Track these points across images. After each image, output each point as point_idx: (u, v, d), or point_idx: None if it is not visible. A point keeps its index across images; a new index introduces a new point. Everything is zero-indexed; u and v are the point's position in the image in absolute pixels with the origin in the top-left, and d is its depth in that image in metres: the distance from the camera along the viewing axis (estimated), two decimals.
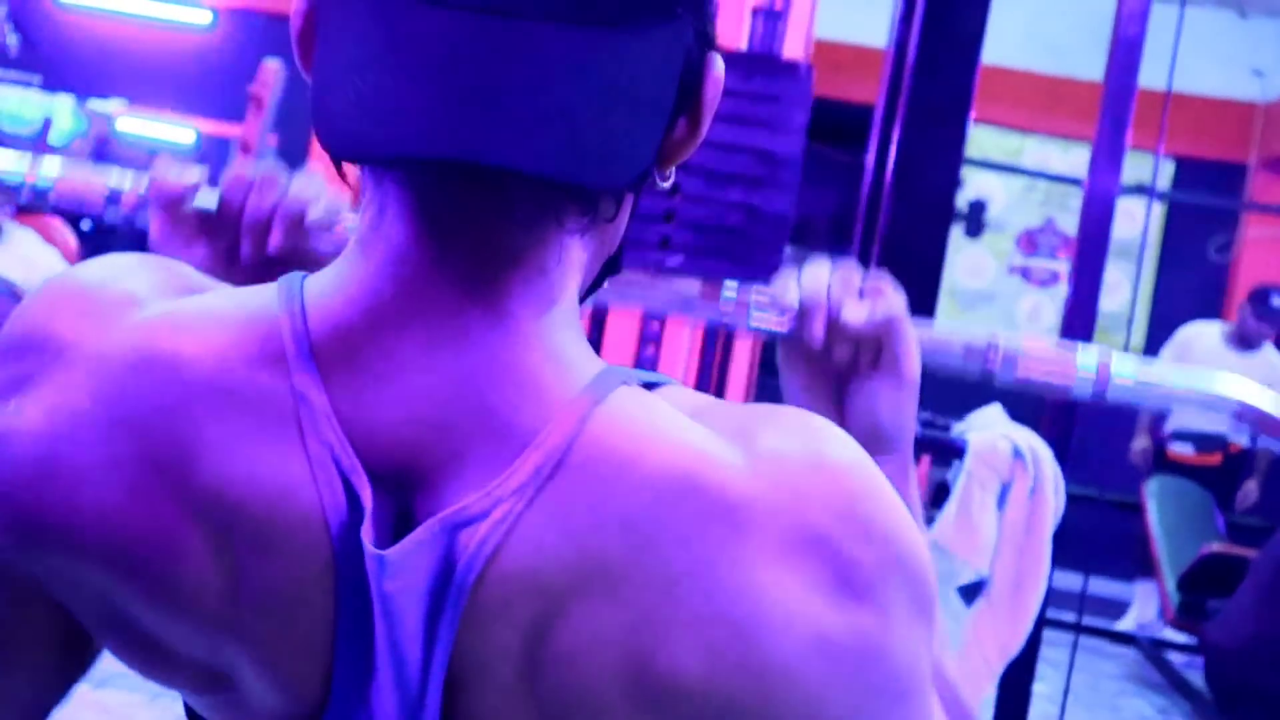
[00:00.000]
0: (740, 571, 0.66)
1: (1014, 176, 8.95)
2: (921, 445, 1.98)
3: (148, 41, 9.90)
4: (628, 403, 0.70)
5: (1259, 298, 6.46)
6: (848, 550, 0.67)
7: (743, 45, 2.99)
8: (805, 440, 0.70)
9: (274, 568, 0.70)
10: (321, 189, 1.11)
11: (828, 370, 1.09)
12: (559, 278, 0.73)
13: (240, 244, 1.10)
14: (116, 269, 0.77)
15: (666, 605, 0.66)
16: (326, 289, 0.73)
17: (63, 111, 10.02)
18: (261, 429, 0.69)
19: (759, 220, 1.94)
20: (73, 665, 0.80)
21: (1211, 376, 1.22)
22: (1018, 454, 1.89)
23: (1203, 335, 6.54)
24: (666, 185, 0.79)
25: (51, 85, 9.20)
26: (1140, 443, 6.42)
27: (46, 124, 9.36)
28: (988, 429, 1.93)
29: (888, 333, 1.05)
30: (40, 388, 0.73)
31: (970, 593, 1.94)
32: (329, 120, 0.69)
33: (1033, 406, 3.23)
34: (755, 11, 3.11)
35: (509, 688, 0.69)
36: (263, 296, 0.73)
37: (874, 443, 1.01)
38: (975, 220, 9.18)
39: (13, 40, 5.76)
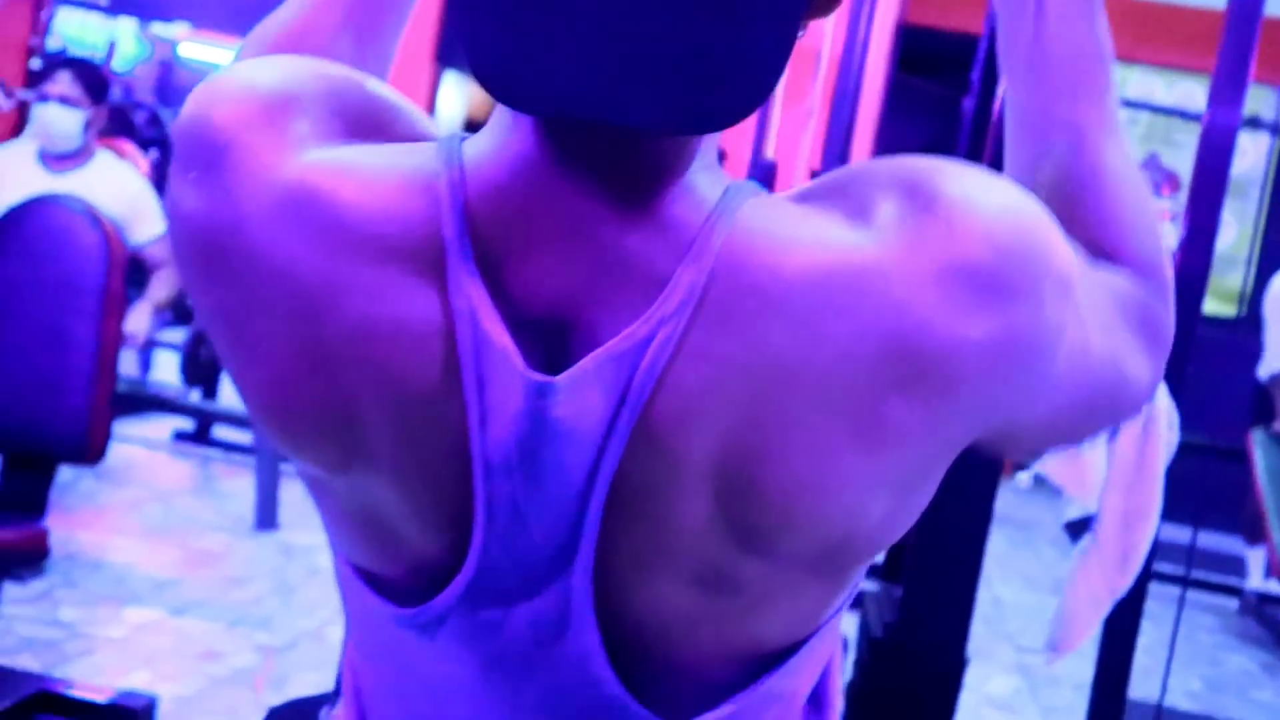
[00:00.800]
0: (896, 327, 0.72)
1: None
2: None
3: None
4: (758, 213, 0.75)
5: None
6: (976, 270, 0.72)
7: None
8: (911, 192, 0.74)
9: (415, 403, 0.76)
10: None
11: None
12: (701, 145, 0.78)
13: None
14: (294, 87, 0.80)
15: (838, 392, 0.72)
16: (483, 152, 0.78)
17: (126, 36, 10.13)
18: (412, 274, 0.75)
19: None
20: None
21: None
22: None
23: None
24: None
25: (115, 8, 9.28)
26: None
27: (111, 48, 9.47)
28: None
29: None
30: (210, 186, 0.78)
31: (1078, 530, 1.95)
32: (488, 66, 0.74)
33: None
34: None
35: (677, 498, 0.75)
36: (423, 154, 0.78)
37: None
38: None
39: None
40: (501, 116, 0.79)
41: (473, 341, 0.74)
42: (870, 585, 2.61)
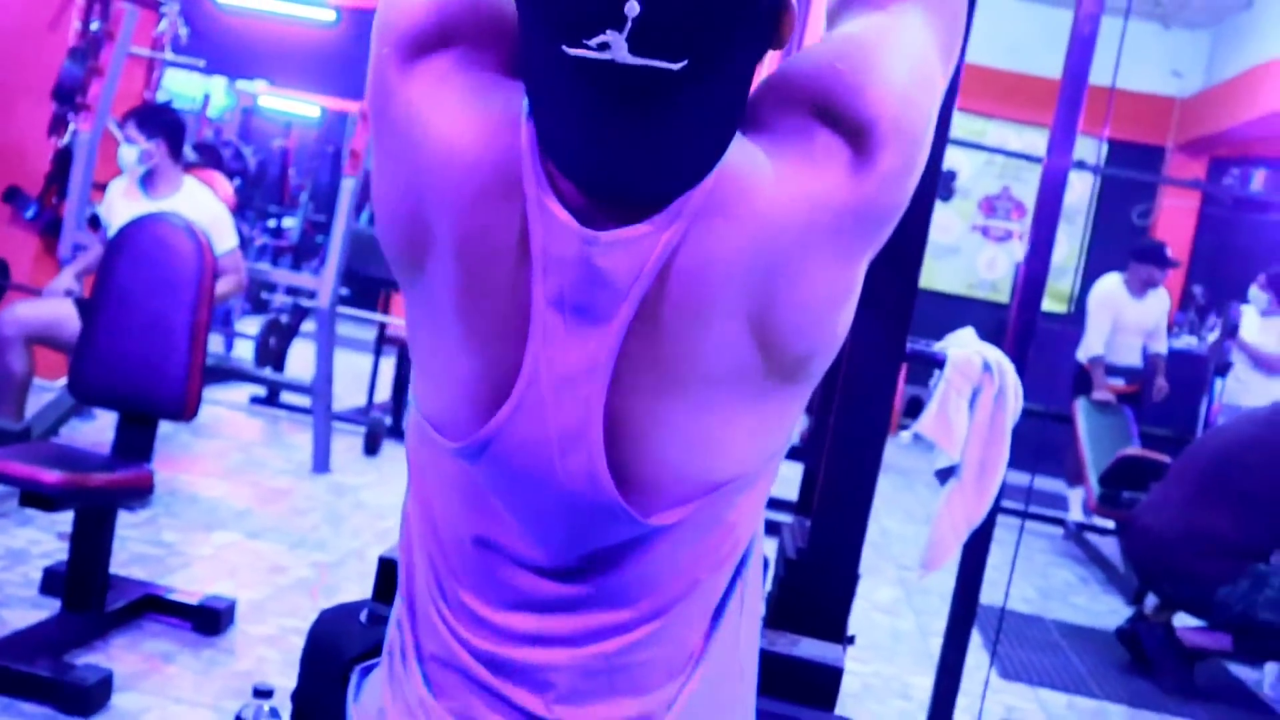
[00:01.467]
0: (840, 201, 0.82)
1: (977, 153, 8.83)
2: (910, 358, 2.00)
3: (285, 34, 9.84)
4: (738, 152, 0.81)
5: (1139, 250, 6.33)
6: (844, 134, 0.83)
7: None
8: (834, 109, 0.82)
9: (494, 256, 0.82)
10: None
11: None
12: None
13: None
14: (453, 20, 0.85)
15: (814, 247, 0.82)
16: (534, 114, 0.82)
17: (218, 90, 10.01)
18: (501, 181, 0.81)
19: None
20: None
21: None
22: (986, 366, 1.88)
23: (1111, 284, 6.31)
24: None
25: (210, 69, 9.17)
26: (1100, 395, 6.14)
27: (206, 99, 9.36)
28: (963, 346, 1.93)
29: None
30: (389, 77, 0.86)
31: (945, 475, 1.95)
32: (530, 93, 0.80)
33: (996, 331, 3.23)
34: None
35: (681, 329, 0.81)
36: (516, 102, 0.83)
37: None
38: (946, 188, 9.09)
39: (183, 32, 5.74)
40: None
41: (539, 213, 0.80)
42: (786, 518, 2.61)
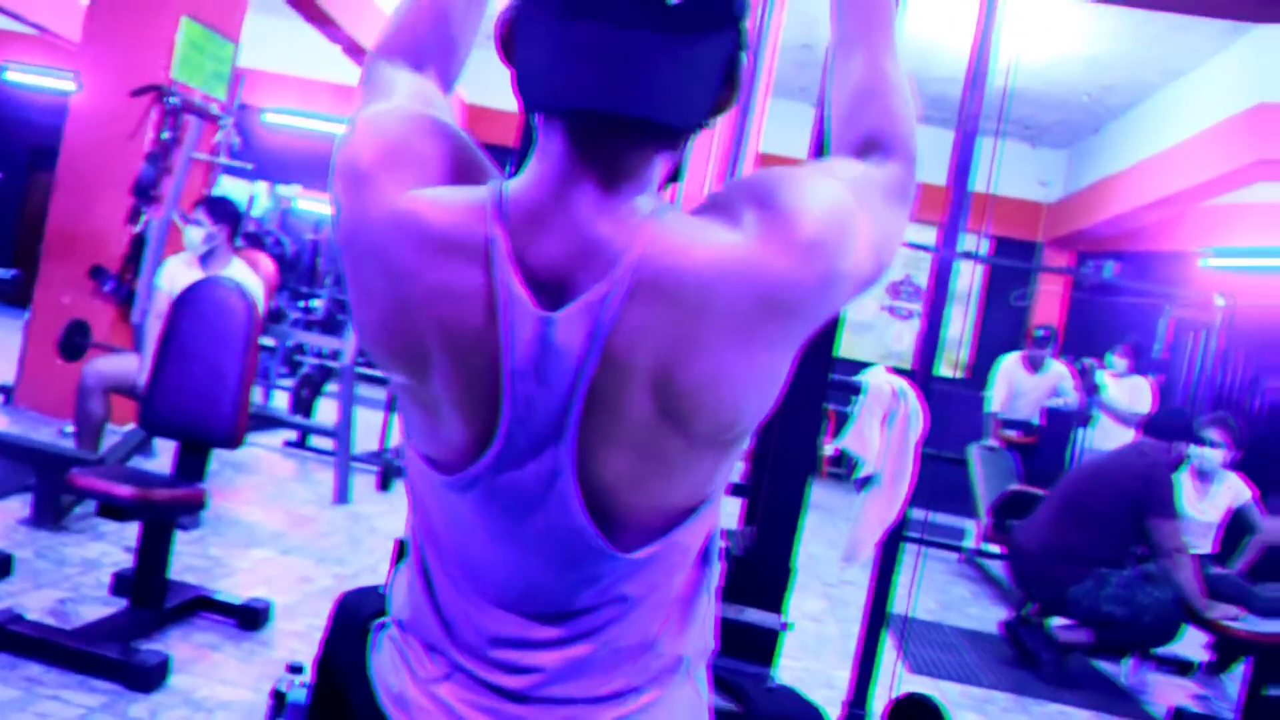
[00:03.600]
0: (762, 286, 0.76)
1: None
2: (835, 387, 2.05)
3: (318, 146, 9.94)
4: (674, 220, 0.78)
5: (1033, 337, 6.57)
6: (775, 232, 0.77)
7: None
8: (762, 203, 0.78)
9: (467, 341, 0.78)
10: None
11: None
12: (652, 177, 0.81)
13: None
14: (412, 138, 0.82)
15: (730, 327, 0.75)
16: (517, 185, 0.80)
17: (262, 192, 10.05)
18: (469, 261, 0.78)
19: None
20: None
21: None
22: (896, 394, 1.95)
23: (1011, 361, 6.59)
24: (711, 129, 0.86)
25: (254, 176, 9.22)
26: (989, 444, 6.31)
27: (251, 199, 9.40)
28: (877, 377, 1.98)
29: None
30: (353, 199, 0.82)
31: (863, 484, 1.99)
32: (526, 86, 0.78)
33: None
34: None
35: (628, 397, 0.77)
36: (481, 190, 0.80)
37: None
38: None
39: (236, 141, 5.81)
40: (531, 164, 0.81)
41: (505, 297, 0.77)
42: (735, 527, 2.64)
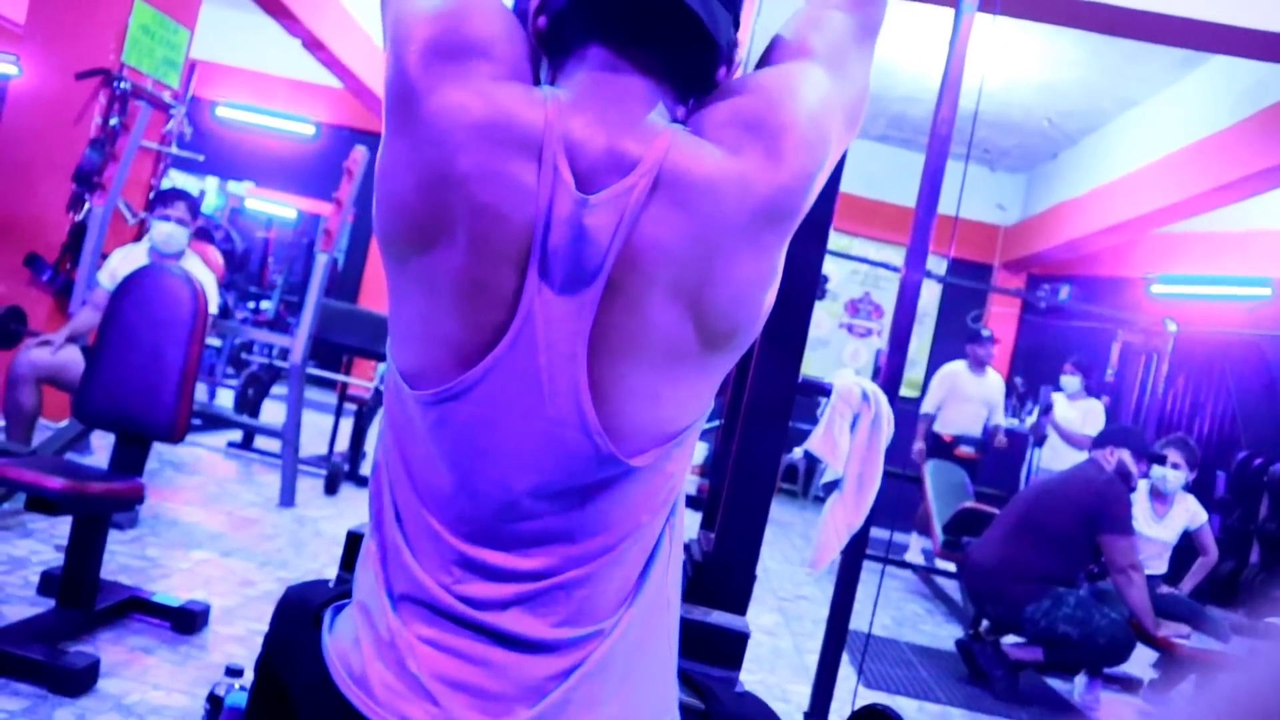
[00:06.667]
0: (759, 195, 0.83)
1: (845, 262, 9.07)
2: (802, 388, 2.01)
3: (271, 143, 9.78)
4: (685, 138, 0.84)
5: (968, 337, 6.67)
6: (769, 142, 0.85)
7: None
8: (755, 128, 0.85)
9: (500, 224, 0.81)
10: None
11: None
12: (681, 87, 0.89)
13: None
14: (483, 34, 0.85)
15: (737, 235, 0.83)
16: (562, 87, 0.86)
17: (211, 189, 9.86)
18: (522, 150, 0.81)
19: None
20: None
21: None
22: (865, 397, 1.92)
23: (954, 366, 6.63)
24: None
25: (204, 170, 9.04)
26: (918, 445, 6.45)
27: (201, 194, 9.21)
28: (845, 379, 1.95)
29: None
30: (414, 74, 0.84)
31: (830, 488, 1.96)
32: None
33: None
34: None
35: (643, 289, 0.82)
36: (536, 90, 0.85)
37: None
38: (820, 288, 9.30)
39: (188, 131, 5.68)
40: (571, 72, 0.87)
41: (551, 178, 0.81)
42: (700, 533, 2.60)
